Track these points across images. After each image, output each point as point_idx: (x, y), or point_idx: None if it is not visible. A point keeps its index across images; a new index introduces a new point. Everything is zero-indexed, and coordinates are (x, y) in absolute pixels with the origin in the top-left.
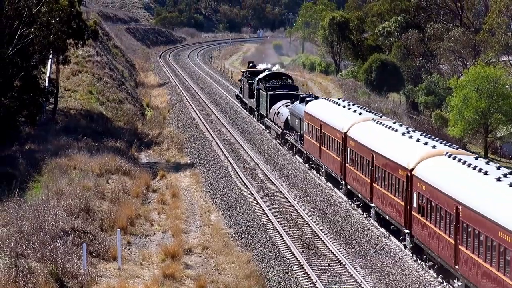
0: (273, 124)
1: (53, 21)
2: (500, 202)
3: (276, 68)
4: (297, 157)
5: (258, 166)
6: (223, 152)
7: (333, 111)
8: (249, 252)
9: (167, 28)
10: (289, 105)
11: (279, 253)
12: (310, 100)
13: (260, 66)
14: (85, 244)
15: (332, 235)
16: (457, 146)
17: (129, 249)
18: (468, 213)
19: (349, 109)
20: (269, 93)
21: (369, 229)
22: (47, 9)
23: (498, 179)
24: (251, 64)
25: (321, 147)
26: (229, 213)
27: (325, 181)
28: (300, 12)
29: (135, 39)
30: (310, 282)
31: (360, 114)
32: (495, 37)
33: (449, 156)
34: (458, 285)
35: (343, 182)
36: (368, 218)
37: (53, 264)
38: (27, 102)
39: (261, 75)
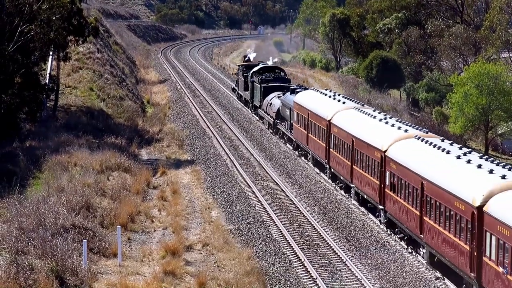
0: (266, 114)
1: (54, 18)
2: (457, 176)
3: (270, 62)
4: (288, 145)
5: (259, 162)
6: (223, 149)
7: (319, 101)
8: (250, 249)
9: (168, 25)
10: (281, 97)
11: (279, 249)
12: (299, 91)
13: (270, 62)
14: (85, 240)
15: (333, 232)
16: (427, 130)
17: (129, 245)
18: (431, 187)
19: (334, 98)
20: (262, 85)
21: (369, 225)
22: (48, 6)
23: (458, 157)
24: (246, 58)
25: (308, 134)
26: (229, 209)
27: (313, 167)
28: (300, 8)
29: (136, 36)
30: (310, 279)
31: (343, 103)
32: (496, 33)
33: (418, 139)
34: (423, 252)
35: (327, 166)
36: (349, 198)
37: (54, 261)
38: (27, 99)
39: (255, 68)
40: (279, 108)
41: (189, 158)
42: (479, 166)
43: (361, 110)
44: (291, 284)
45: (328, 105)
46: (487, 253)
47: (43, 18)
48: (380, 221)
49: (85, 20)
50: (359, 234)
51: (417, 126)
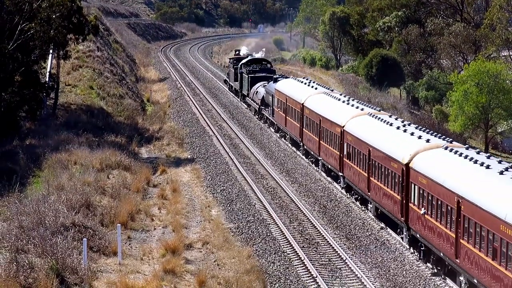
0: (252, 101)
1: (54, 16)
2: (393, 142)
3: (258, 55)
4: (271, 129)
5: (259, 161)
6: (223, 147)
7: (295, 87)
8: (250, 247)
9: (168, 23)
10: (265, 85)
11: (279, 248)
12: (280, 79)
13: (258, 55)
14: (85, 239)
15: (333, 230)
16: (379, 108)
17: (129, 244)
18: (375, 152)
19: (308, 85)
20: (250, 75)
21: (369, 224)
22: (48, 4)
23: (398, 128)
24: (237, 52)
25: (286, 117)
26: (229, 208)
27: (290, 146)
28: (300, 7)
29: (136, 34)
30: (310, 277)
31: (315, 88)
32: (496, 32)
33: (370, 115)
34: (370, 207)
35: (301, 144)
36: (319, 170)
37: (54, 259)
38: (27, 97)
39: (244, 60)
40: (263, 95)
41: (189, 156)
42: (412, 134)
43: (329, 94)
44: (291, 283)
45: (302, 90)
46: (412, 200)
47: (43, 17)
48: (340, 186)
49: (85, 19)
50: (359, 232)
51: (372, 106)
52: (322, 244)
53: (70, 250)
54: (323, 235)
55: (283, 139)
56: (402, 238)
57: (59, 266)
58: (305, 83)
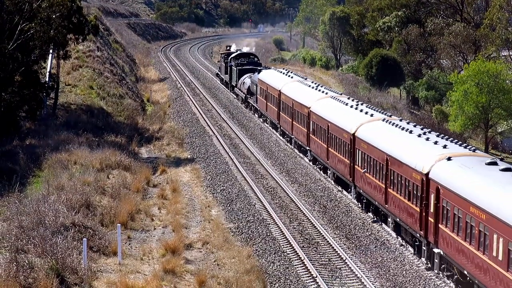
0: (240, 91)
1: (54, 16)
2: (345, 115)
3: (246, 49)
4: (256, 115)
5: (259, 161)
6: (223, 147)
7: (275, 77)
8: (250, 247)
9: (168, 23)
10: (251, 76)
11: (279, 248)
12: (262, 70)
13: (245, 49)
14: (85, 239)
15: (333, 230)
16: (341, 93)
17: (129, 244)
18: (333, 127)
19: (286, 74)
20: (238, 68)
21: (369, 224)
22: (48, 4)
23: (346, 104)
24: (227, 47)
25: (267, 103)
26: (229, 208)
27: (272, 129)
28: (300, 7)
29: (136, 34)
30: (310, 277)
31: (292, 77)
32: (496, 32)
33: (332, 97)
34: (329, 172)
35: (279, 125)
36: (294, 149)
37: (54, 259)
38: (27, 97)
39: (233, 55)
40: (249, 85)
41: (189, 156)
42: (361, 110)
43: (302, 82)
44: (291, 283)
45: (280, 79)
46: (357, 162)
47: (43, 16)
48: (308, 158)
49: (85, 18)
50: (359, 232)
51: (334, 90)
52: (322, 244)
53: (70, 250)
54: (323, 235)
55: (265, 123)
56: (351, 195)
57: (59, 266)
58: (283, 73)
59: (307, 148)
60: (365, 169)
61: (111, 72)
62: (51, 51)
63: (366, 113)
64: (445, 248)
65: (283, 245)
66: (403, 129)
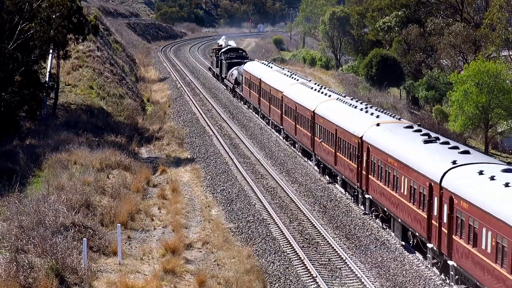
0: (228, 82)
1: (54, 16)
2: (313, 99)
3: (234, 44)
4: (242, 103)
5: (259, 161)
6: (223, 147)
7: (257, 68)
8: (250, 247)
9: (168, 23)
10: (238, 68)
11: (279, 248)
12: (247, 62)
13: (234, 44)
14: (85, 239)
15: (333, 230)
16: (309, 79)
17: (129, 244)
18: (298, 106)
19: (267, 65)
20: (227, 61)
21: (369, 224)
22: (48, 4)
23: (318, 91)
24: (219, 43)
25: (250, 90)
26: (229, 208)
27: (254, 113)
28: (300, 7)
29: (136, 34)
30: (310, 277)
31: (271, 67)
32: (496, 32)
33: (302, 84)
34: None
35: (260, 110)
36: (266, 125)
37: (54, 259)
38: (27, 97)
39: (223, 49)
40: (236, 76)
41: (189, 156)
42: (322, 92)
43: (281, 72)
44: (290, 283)
45: (261, 70)
46: (316, 134)
47: (43, 16)
48: (282, 136)
49: (85, 18)
50: (359, 232)
51: (304, 77)
52: (322, 244)
53: (70, 250)
54: (323, 235)
55: (250, 110)
56: (312, 162)
57: (59, 266)
58: (265, 64)
59: (281, 127)
60: (322, 139)
61: (111, 72)
62: (51, 51)
63: (325, 94)
64: (373, 194)
65: (283, 245)
66: (350, 105)
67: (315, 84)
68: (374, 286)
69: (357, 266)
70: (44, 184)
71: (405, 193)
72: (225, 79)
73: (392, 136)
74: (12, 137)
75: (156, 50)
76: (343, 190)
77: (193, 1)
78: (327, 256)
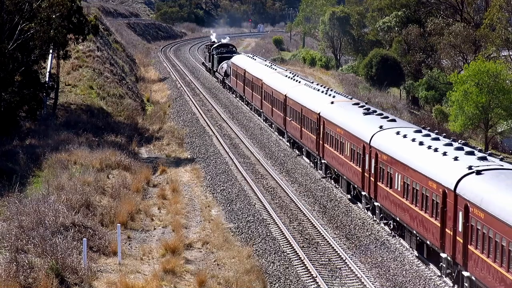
0: (219, 74)
1: (54, 16)
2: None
3: (225, 40)
4: (230, 93)
5: (259, 161)
6: (223, 147)
7: (242, 60)
8: (250, 247)
9: (168, 23)
10: (227, 62)
11: (279, 248)
12: (235, 56)
13: (225, 40)
14: (85, 239)
15: (333, 230)
16: (286, 68)
17: (129, 244)
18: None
19: (252, 58)
20: (218, 56)
21: (369, 224)
22: (48, 4)
23: (295, 80)
24: (212, 40)
25: (237, 80)
26: (229, 208)
27: (241, 101)
28: (300, 7)
29: (136, 34)
30: (310, 277)
31: (255, 60)
32: (496, 32)
33: (278, 73)
34: (273, 126)
35: (244, 97)
36: (251, 111)
37: (54, 259)
38: (27, 97)
39: (215, 45)
40: (226, 69)
41: (189, 156)
42: (295, 80)
43: (265, 64)
44: (290, 283)
45: (245, 62)
46: (287, 115)
47: (43, 16)
48: (262, 119)
49: (85, 18)
50: (359, 232)
51: (282, 67)
52: (322, 244)
53: (70, 250)
54: (323, 235)
55: (238, 99)
56: (285, 139)
57: (59, 266)
58: (250, 57)
59: (261, 111)
60: (291, 118)
61: (111, 72)
62: (51, 51)
63: (296, 81)
64: (327, 159)
65: (283, 245)
66: (314, 88)
67: (289, 73)
68: (374, 286)
69: (357, 266)
70: (44, 184)
71: (348, 154)
72: (216, 72)
73: (341, 111)
74: (12, 137)
75: (156, 50)
76: (307, 160)
77: (193, 1)
78: (327, 256)
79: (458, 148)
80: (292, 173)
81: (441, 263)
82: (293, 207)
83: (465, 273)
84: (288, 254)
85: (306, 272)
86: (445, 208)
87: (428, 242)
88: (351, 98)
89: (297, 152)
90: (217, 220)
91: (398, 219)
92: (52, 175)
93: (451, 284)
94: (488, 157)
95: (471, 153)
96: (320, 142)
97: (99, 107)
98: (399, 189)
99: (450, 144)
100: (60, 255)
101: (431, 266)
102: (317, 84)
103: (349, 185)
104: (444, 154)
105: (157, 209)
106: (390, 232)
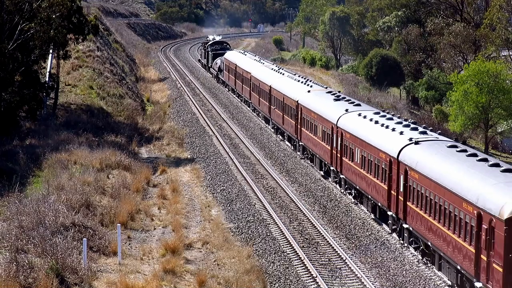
0: (213, 70)
1: (54, 16)
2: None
3: (218, 38)
4: (226, 88)
5: (259, 161)
6: (223, 147)
7: (234, 56)
8: (250, 247)
9: (168, 23)
10: (221, 58)
11: (279, 248)
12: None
13: (217, 38)
14: (85, 239)
15: (333, 230)
16: (274, 63)
17: (129, 244)
18: (256, 80)
19: (242, 53)
20: (212, 52)
21: (369, 224)
22: (48, 4)
23: (274, 70)
24: (207, 38)
25: (229, 75)
26: (229, 208)
27: (234, 95)
28: (300, 7)
29: (136, 34)
30: (310, 277)
31: (245, 55)
32: (496, 32)
33: (263, 64)
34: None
35: (235, 89)
36: (239, 99)
37: (54, 259)
38: (27, 97)
39: (209, 42)
40: (219, 65)
41: (189, 156)
42: (276, 71)
43: (254, 59)
44: (290, 283)
45: (237, 57)
46: (272, 104)
47: (43, 16)
48: (251, 109)
49: (85, 18)
50: (359, 232)
51: (270, 62)
52: (322, 244)
53: (70, 250)
54: (323, 235)
55: (230, 92)
56: (270, 126)
57: (59, 266)
58: (241, 53)
59: (250, 101)
60: (275, 106)
61: (111, 72)
62: (51, 51)
63: (281, 73)
64: (304, 141)
65: (283, 245)
66: (295, 79)
67: (275, 66)
68: (374, 286)
69: (357, 266)
70: (44, 184)
71: (320, 135)
72: (210, 68)
73: (315, 99)
74: (12, 137)
75: (156, 50)
76: (289, 144)
77: (193, 1)
78: (327, 256)
79: (405, 125)
80: (292, 173)
81: (389, 221)
82: (293, 207)
83: (405, 225)
84: (288, 254)
85: (306, 272)
86: (390, 173)
87: (379, 204)
88: (326, 88)
89: (281, 138)
90: (217, 220)
91: (358, 187)
92: (52, 175)
93: (398, 238)
94: (428, 132)
95: (415, 129)
96: (298, 126)
97: (99, 107)
98: (358, 162)
99: (400, 123)
100: (60, 255)
101: (383, 225)
102: (299, 76)
103: (321, 162)
104: (393, 130)
105: (157, 209)
106: (352, 200)
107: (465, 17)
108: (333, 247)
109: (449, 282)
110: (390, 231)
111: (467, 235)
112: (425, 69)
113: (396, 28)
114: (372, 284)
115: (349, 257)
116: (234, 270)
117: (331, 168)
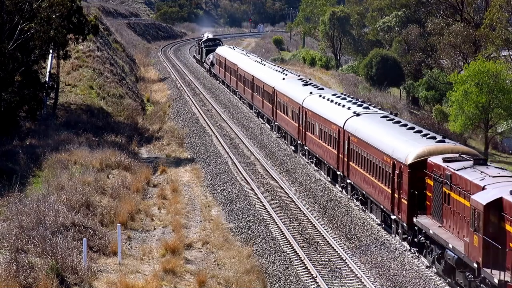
0: (206, 64)
1: (54, 16)
2: (263, 73)
3: (211, 35)
4: (217, 81)
5: (259, 161)
6: (223, 147)
7: (224, 50)
8: (250, 247)
9: (168, 23)
10: (213, 53)
11: (279, 248)
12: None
13: (211, 35)
14: (85, 239)
15: (333, 230)
16: (262, 58)
17: (129, 244)
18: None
19: (233, 49)
20: (206, 48)
21: (369, 224)
22: (48, 4)
23: (256, 62)
24: (202, 36)
25: (220, 68)
26: (229, 208)
27: (225, 87)
28: (300, 7)
29: (136, 34)
30: (310, 277)
31: (235, 49)
32: (496, 32)
33: (254, 60)
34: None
35: (225, 81)
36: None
37: (54, 259)
38: (27, 97)
39: (203, 39)
40: (212, 60)
41: (189, 156)
42: (263, 65)
43: (245, 54)
44: (291, 283)
45: (227, 52)
46: (253, 91)
47: (43, 16)
48: (238, 97)
49: (85, 18)
50: (359, 232)
51: (253, 54)
52: (322, 244)
53: (70, 250)
54: (323, 235)
55: (222, 85)
56: (253, 111)
57: (59, 266)
58: (231, 48)
59: (237, 90)
60: (257, 93)
61: (111, 72)
62: (51, 51)
63: (263, 65)
64: (279, 122)
65: (283, 245)
66: (274, 69)
67: (259, 58)
68: (374, 286)
69: (357, 266)
70: (44, 184)
71: (290, 115)
72: (204, 63)
73: (288, 84)
74: (12, 137)
75: (156, 50)
76: (268, 126)
77: (193, 1)
78: (327, 256)
79: (354, 103)
80: (292, 173)
81: (338, 179)
82: (293, 207)
83: (348, 181)
84: (288, 254)
85: (306, 272)
86: (339, 140)
87: (332, 167)
88: (298, 75)
89: (261, 121)
90: (217, 220)
91: (317, 155)
92: (52, 175)
93: (348, 196)
94: (370, 107)
95: (360, 105)
96: (274, 109)
97: (99, 107)
98: (317, 134)
99: (351, 101)
100: (60, 255)
101: (337, 186)
102: (278, 67)
103: (291, 138)
104: (343, 106)
105: (157, 209)
106: (314, 168)
107: (465, 17)
108: (333, 247)
109: (378, 221)
110: (340, 189)
111: (387, 180)
112: (425, 69)
113: (396, 28)
114: (372, 284)
115: (349, 257)
116: (234, 270)
117: (298, 142)
